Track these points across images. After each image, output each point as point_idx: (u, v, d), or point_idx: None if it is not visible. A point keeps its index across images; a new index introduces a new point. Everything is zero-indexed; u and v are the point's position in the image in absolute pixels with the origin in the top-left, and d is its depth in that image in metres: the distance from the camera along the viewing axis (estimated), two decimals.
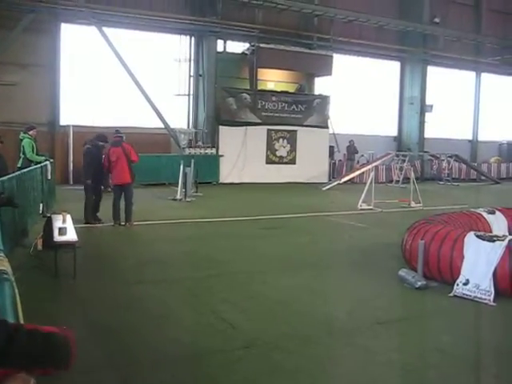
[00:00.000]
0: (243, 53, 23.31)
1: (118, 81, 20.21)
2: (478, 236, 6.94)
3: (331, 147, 24.46)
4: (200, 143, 21.68)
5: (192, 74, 22.93)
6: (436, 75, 28.61)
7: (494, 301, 6.32)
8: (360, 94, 26.95)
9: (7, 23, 17.92)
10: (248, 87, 22.98)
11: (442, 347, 5.15)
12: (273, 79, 24.42)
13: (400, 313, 6.27)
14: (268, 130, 22.82)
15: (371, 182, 15.14)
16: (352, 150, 24.88)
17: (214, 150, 21.58)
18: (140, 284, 7.07)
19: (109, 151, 11.38)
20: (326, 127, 24.11)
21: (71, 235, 7.58)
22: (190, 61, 22.88)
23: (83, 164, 11.58)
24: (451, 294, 6.61)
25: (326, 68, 23.96)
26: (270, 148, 22.98)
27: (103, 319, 5.72)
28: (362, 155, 25.40)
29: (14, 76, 18.86)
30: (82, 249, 8.15)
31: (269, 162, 22.92)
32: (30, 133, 12.48)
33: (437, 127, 28.46)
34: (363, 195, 15.10)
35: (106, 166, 11.37)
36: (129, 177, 11.36)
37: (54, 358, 1.59)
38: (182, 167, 16.34)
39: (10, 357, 1.53)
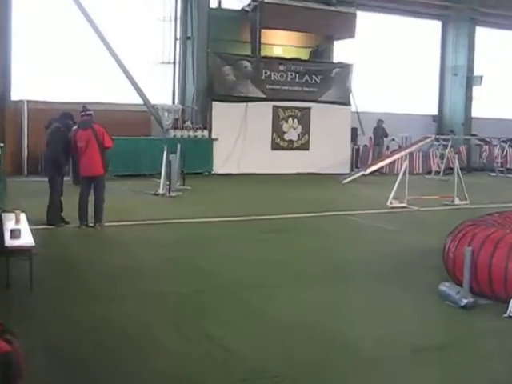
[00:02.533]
0: (243, 9, 23.28)
1: (86, 46, 20.17)
2: None
3: (354, 129, 24.46)
4: (188, 123, 21.70)
5: (178, 36, 22.91)
6: (487, 39, 28.53)
7: None
8: (390, 62, 26.92)
9: None
10: (249, 53, 22.98)
11: (495, 378, 5.14)
12: (280, 43, 24.42)
13: (441, 337, 6.26)
14: (274, 106, 22.81)
15: (404, 174, 15.11)
16: (380, 132, 24.84)
17: (205, 133, 21.63)
18: (113, 300, 7.07)
19: (75, 134, 11.34)
20: (348, 104, 24.10)
21: (27, 239, 7.59)
22: (175, 20, 22.86)
23: (49, 149, 11.55)
24: (506, 315, 6.59)
25: (347, 29, 23.92)
26: (277, 130, 22.96)
27: (67, 344, 5.72)
28: (393, 139, 25.36)
29: None
30: (41, 256, 8.14)
31: (275, 147, 22.92)
32: None
33: (488, 104, 28.42)
34: (394, 190, 15.07)
35: (74, 150, 11.37)
36: (100, 167, 11.37)
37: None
38: (165, 154, 16.34)
39: None
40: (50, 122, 11.65)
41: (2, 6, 19.62)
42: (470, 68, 27.60)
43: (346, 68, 24.04)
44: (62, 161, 11.44)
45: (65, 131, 11.43)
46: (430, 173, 24.04)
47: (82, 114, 11.63)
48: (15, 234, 7.58)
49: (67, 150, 11.42)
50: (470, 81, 27.56)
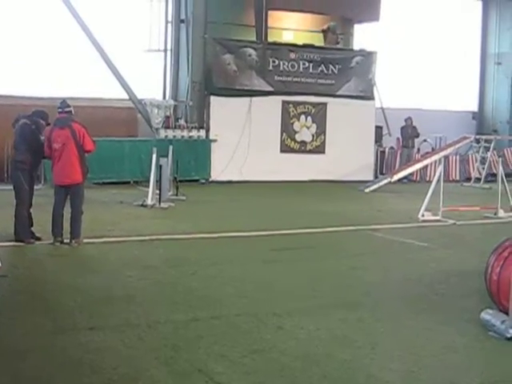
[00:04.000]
0: None
1: (62, 31, 20.26)
2: None
3: (378, 128, 24.50)
4: (182, 122, 21.79)
5: (170, 19, 23.04)
6: None
7: None
8: (421, 50, 26.99)
9: None
10: (254, 39, 23.06)
11: None
12: (291, 27, 24.52)
13: (485, 375, 6.23)
14: (284, 102, 22.90)
15: (439, 181, 15.11)
16: (410, 132, 24.86)
17: (202, 133, 21.71)
18: (93, 330, 7.06)
19: (50, 134, 11.34)
20: (372, 98, 24.18)
21: None
22: (166, 0, 22.96)
23: (16, 150, 11.63)
24: None
25: (370, 10, 24.04)
26: (287, 129, 23.03)
27: (35, 381, 5.72)
28: (425, 140, 25.43)
29: None
30: (7, 278, 8.17)
31: (285, 149, 22.99)
32: None
33: None
34: (426, 200, 15.09)
35: (48, 153, 11.41)
36: (79, 173, 11.38)
37: None
38: (154, 158, 16.37)
39: None
40: (17, 119, 11.70)
41: None
42: None
43: (368, 56, 24.10)
44: (32, 165, 11.47)
45: (35, 130, 11.47)
46: (468, 180, 24.07)
47: (60, 110, 11.60)
48: None
49: (37, 153, 11.46)
50: None
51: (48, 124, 11.66)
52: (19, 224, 11.30)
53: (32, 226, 11.53)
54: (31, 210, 11.54)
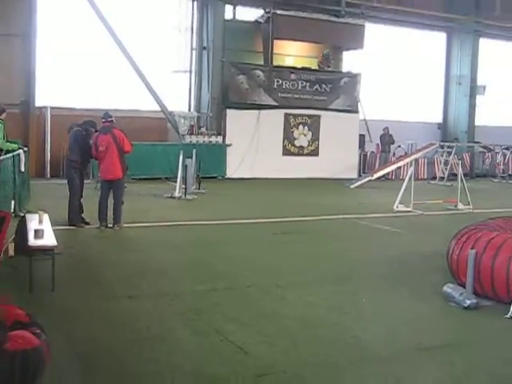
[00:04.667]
0: (256, 21, 23.34)
1: (106, 54, 20.26)
2: None
3: (362, 136, 24.43)
4: (203, 130, 21.79)
5: (194, 46, 23.01)
6: (490, 50, 28.43)
7: None
8: (397, 72, 26.88)
9: None
10: (262, 63, 23.05)
11: (497, 379, 5.12)
12: (292, 53, 24.46)
13: (445, 337, 6.23)
14: (285, 114, 22.87)
15: (410, 179, 15.08)
16: (387, 139, 24.81)
17: (219, 138, 21.69)
18: (131, 299, 7.09)
19: (97, 139, 11.41)
20: (356, 112, 24.10)
21: (49, 239, 7.60)
22: (192, 30, 22.95)
23: (70, 152, 11.67)
24: (508, 316, 6.56)
25: (356, 40, 23.95)
26: (288, 136, 22.99)
27: (87, 341, 5.74)
28: (399, 146, 25.34)
29: None
30: (63, 255, 8.19)
31: (286, 153, 22.96)
32: (0, 116, 12.52)
33: (490, 113, 28.30)
34: (400, 194, 15.05)
35: (95, 154, 11.48)
36: (120, 170, 11.40)
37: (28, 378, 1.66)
38: (181, 158, 16.39)
39: None
40: (71, 127, 11.79)
41: (27, 17, 19.76)
42: (474, 78, 27.51)
43: (354, 77, 24.04)
44: (82, 163, 11.54)
45: (85, 135, 11.53)
46: (434, 178, 23.98)
47: (104, 120, 11.70)
48: (38, 234, 7.60)
49: (87, 154, 11.52)
50: (474, 90, 27.45)
51: (96, 131, 11.71)
52: (72, 211, 11.34)
53: (82, 212, 11.56)
54: (82, 200, 11.58)
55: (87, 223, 11.49)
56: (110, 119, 11.69)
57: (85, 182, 11.98)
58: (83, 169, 11.78)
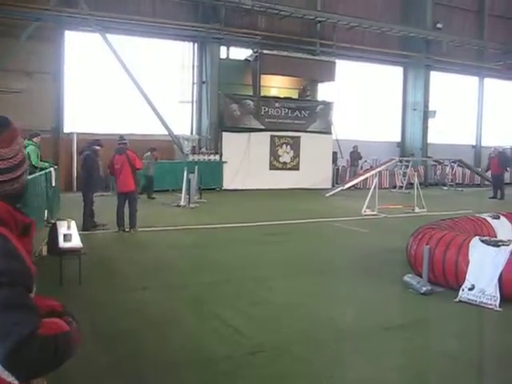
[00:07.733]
0: (246, 59, 23.39)
1: (122, 87, 20.26)
2: (483, 241, 6.94)
3: (334, 153, 24.47)
4: (203, 149, 21.77)
5: (195, 80, 23.00)
6: (439, 80, 28.62)
7: (499, 306, 6.31)
8: (363, 99, 26.97)
9: (13, 31, 18.08)
10: (251, 93, 23.07)
11: (448, 352, 5.15)
12: (276, 85, 24.50)
13: (405, 318, 6.26)
14: (271, 136, 22.85)
15: (375, 188, 15.11)
16: (355, 155, 24.87)
17: (217, 157, 21.68)
18: (145, 290, 7.08)
19: (113, 158, 11.45)
20: (330, 133, 24.12)
21: (76, 242, 7.60)
22: (193, 67, 22.96)
23: (85, 171, 11.65)
24: (457, 300, 6.60)
25: (329, 74, 24.03)
26: (274, 154, 22.99)
27: (108, 326, 5.74)
28: (366, 161, 25.40)
29: (20, 83, 18.95)
30: (87, 255, 8.18)
31: (272, 168, 22.93)
32: (35, 140, 12.47)
33: (440, 133, 28.43)
34: (367, 201, 15.10)
35: (112, 171, 11.52)
36: (133, 184, 11.42)
37: (59, 361, 1.65)
38: (185, 173, 16.37)
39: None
40: (82, 150, 11.89)
41: (56, 57, 19.78)
42: (426, 104, 27.61)
43: (328, 105, 24.10)
44: (92, 181, 11.57)
45: (94, 157, 11.62)
46: (395, 187, 24.03)
47: (119, 142, 11.72)
48: (67, 237, 7.60)
49: (94, 172, 11.61)
50: (426, 114, 27.56)
51: (101, 146, 11.83)
52: (84, 218, 11.34)
53: (93, 217, 11.59)
54: (93, 208, 11.63)
55: (97, 225, 11.53)
56: (124, 141, 11.71)
57: (106, 194, 11.97)
58: (92, 184, 11.71)
